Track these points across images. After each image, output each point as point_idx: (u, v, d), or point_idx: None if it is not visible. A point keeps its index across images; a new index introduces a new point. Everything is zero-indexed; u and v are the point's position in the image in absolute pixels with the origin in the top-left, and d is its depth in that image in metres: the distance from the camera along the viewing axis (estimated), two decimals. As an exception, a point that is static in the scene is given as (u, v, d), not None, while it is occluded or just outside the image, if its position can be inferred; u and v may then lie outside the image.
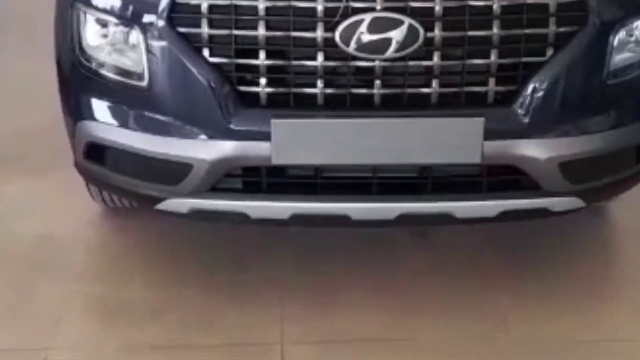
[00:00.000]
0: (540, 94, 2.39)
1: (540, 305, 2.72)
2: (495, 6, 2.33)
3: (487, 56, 2.36)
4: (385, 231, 3.05)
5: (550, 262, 2.92)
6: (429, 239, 3.03)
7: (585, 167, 2.49)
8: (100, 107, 2.54)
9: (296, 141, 2.38)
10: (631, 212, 3.17)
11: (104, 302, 2.77)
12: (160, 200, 2.55)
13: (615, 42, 2.45)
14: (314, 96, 2.38)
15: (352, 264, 2.91)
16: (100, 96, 2.53)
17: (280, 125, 2.36)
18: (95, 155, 2.60)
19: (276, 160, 2.39)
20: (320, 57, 2.34)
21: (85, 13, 2.51)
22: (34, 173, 3.41)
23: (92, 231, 3.13)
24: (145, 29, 2.39)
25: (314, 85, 2.37)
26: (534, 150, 2.41)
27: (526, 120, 2.40)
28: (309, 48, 2.35)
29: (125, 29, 2.44)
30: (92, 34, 2.51)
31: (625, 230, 3.16)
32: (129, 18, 2.43)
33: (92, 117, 2.55)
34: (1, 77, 4.24)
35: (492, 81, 2.39)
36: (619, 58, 2.48)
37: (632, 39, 2.51)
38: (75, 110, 2.61)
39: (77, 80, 2.58)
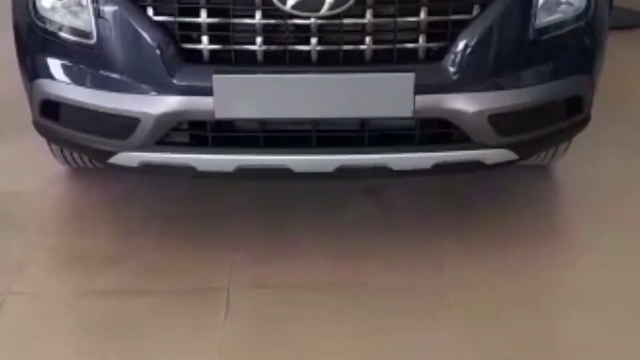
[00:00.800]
0: (468, 50, 2.51)
1: (475, 250, 2.86)
2: (423, -35, 2.46)
3: (417, 14, 2.49)
4: (339, 188, 3.20)
5: (491, 214, 3.06)
6: (380, 195, 3.17)
7: (514, 120, 2.61)
8: (53, 66, 2.66)
9: (238, 96, 2.51)
10: (575, 168, 3.31)
11: (64, 252, 2.91)
12: (111, 154, 2.67)
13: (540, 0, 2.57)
14: (254, 53, 2.51)
15: (305, 217, 3.05)
16: (53, 55, 2.65)
17: (222, 81, 2.49)
18: (51, 112, 2.72)
19: (219, 115, 2.52)
20: (258, 15, 2.47)
21: None
22: (1, 138, 3.55)
23: (57, 189, 3.27)
24: None
25: (253, 43, 2.50)
26: (463, 103, 2.54)
27: (456, 75, 2.53)
28: (248, 6, 2.47)
29: None
30: (45, -5, 2.64)
31: (568, 186, 3.30)
32: None
33: (46, 75, 2.67)
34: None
35: (422, 38, 2.51)
36: (545, 14, 2.60)
37: None
38: (31, 70, 2.73)
39: (32, 40, 2.70)
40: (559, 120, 2.73)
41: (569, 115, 2.74)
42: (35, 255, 2.89)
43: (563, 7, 2.64)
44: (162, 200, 3.17)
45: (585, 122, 2.82)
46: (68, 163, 3.24)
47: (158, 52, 2.51)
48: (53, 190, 3.27)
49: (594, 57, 2.74)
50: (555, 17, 2.63)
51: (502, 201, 3.15)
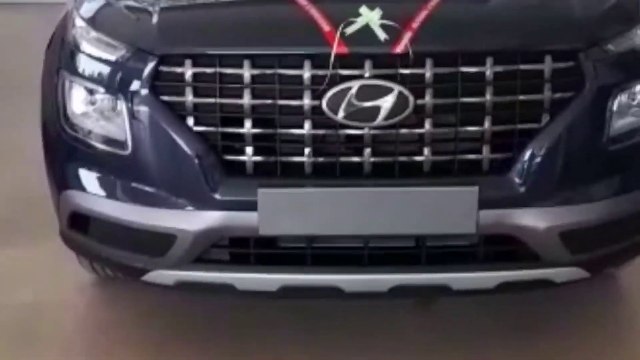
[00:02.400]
0: (537, 161, 2.30)
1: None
2: (487, 72, 2.26)
3: (481, 123, 2.29)
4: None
5: (556, 334, 2.79)
6: (430, 309, 2.91)
7: (587, 236, 2.38)
8: (84, 176, 2.48)
9: (284, 211, 2.30)
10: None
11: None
12: (145, 271, 2.47)
13: (615, 106, 2.37)
14: (301, 165, 2.31)
15: (353, 332, 2.79)
16: (84, 165, 2.47)
17: (267, 195, 2.29)
18: (80, 225, 2.53)
19: (264, 231, 2.31)
20: (307, 125, 2.28)
21: (70, 80, 2.47)
22: (25, 240, 3.35)
23: (82, 300, 3.04)
24: (128, 96, 2.34)
25: (301, 154, 2.30)
26: (532, 219, 2.32)
27: (523, 188, 2.31)
28: (296, 116, 2.28)
29: (109, 97, 2.39)
30: (76, 102, 2.47)
31: (636, 297, 3.03)
32: (113, 86, 2.38)
33: (75, 186, 2.49)
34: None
35: (486, 149, 2.31)
36: (621, 122, 2.40)
37: (635, 102, 2.43)
38: (59, 179, 2.55)
39: (61, 148, 2.52)
40: (634, 234, 2.49)
41: (644, 227, 2.51)
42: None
43: (635, 109, 2.43)
44: (195, 314, 2.92)
45: (661, 232, 2.58)
46: (96, 272, 3.03)
47: (198, 164, 2.31)
48: (78, 302, 3.04)
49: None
50: (629, 122, 2.42)
51: (567, 314, 2.88)
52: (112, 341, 2.81)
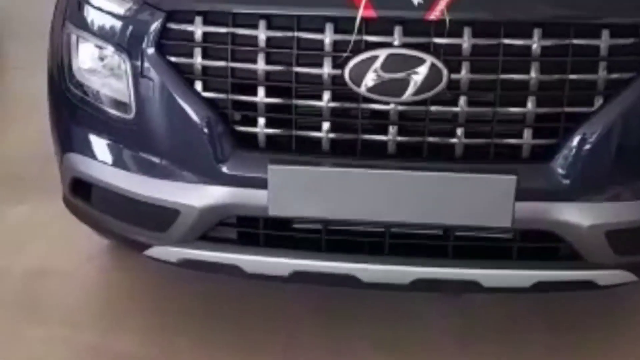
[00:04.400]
0: (585, 150, 2.02)
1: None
2: (534, 46, 1.98)
3: (523, 104, 2.01)
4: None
5: (592, 335, 2.53)
6: (461, 303, 2.67)
7: (637, 238, 2.11)
8: (86, 140, 2.28)
9: (297, 191, 2.07)
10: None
11: (90, 353, 2.50)
12: (147, 246, 2.28)
13: (681, 92, 2.07)
14: (318, 141, 2.08)
15: (365, 329, 2.56)
16: (87, 127, 2.28)
17: (278, 172, 2.06)
18: (82, 192, 2.35)
19: (273, 212, 2.09)
20: (326, 96, 2.03)
21: (75, 34, 2.27)
22: (40, 196, 3.17)
23: (92, 268, 2.87)
24: (133, 55, 2.13)
25: (319, 129, 2.07)
26: (576, 215, 2.05)
27: (567, 180, 2.04)
28: (314, 86, 2.04)
29: (114, 54, 2.18)
30: (81, 57, 2.27)
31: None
32: (118, 42, 2.16)
33: (77, 149, 2.30)
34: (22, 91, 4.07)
35: (527, 133, 2.03)
36: None
37: None
38: (62, 140, 2.37)
39: (65, 106, 2.33)
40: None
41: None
42: (58, 354, 2.48)
43: None
44: (207, 290, 2.72)
45: None
46: (108, 237, 2.86)
47: (205, 133, 2.09)
48: (86, 270, 2.86)
49: None
50: None
51: (608, 315, 2.62)
52: (120, 314, 2.65)
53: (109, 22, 2.20)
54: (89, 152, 2.28)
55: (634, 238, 2.10)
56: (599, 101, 2.03)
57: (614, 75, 2.01)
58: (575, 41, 1.99)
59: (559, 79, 2.00)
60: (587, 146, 2.03)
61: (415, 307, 2.63)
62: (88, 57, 2.25)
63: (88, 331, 2.57)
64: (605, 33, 1.99)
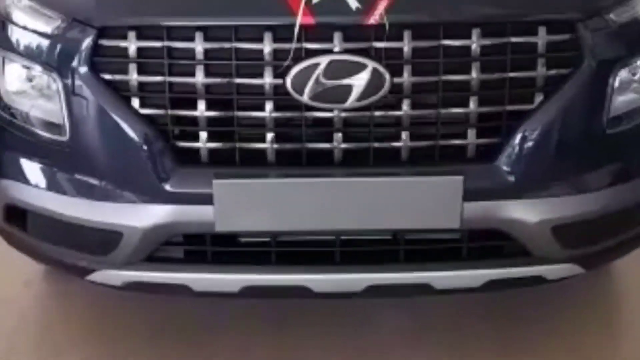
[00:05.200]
0: (528, 147, 2.04)
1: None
2: (474, 46, 1.98)
3: (466, 104, 2.01)
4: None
5: (546, 329, 2.56)
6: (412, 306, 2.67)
7: (582, 231, 2.13)
8: (18, 165, 2.19)
9: (244, 205, 2.03)
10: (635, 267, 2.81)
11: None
12: (90, 271, 2.20)
13: (616, 84, 2.10)
14: (263, 152, 2.04)
15: (318, 333, 2.54)
16: (18, 152, 2.18)
17: (224, 187, 2.01)
18: (16, 219, 2.25)
19: (220, 227, 2.04)
20: (269, 107, 2.00)
21: (2, 56, 2.17)
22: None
23: (28, 295, 2.78)
24: (65, 75, 2.05)
25: (263, 140, 2.03)
26: (523, 212, 2.07)
27: (512, 177, 2.05)
28: (256, 97, 2.00)
29: (44, 75, 2.10)
30: (8, 79, 2.17)
31: (628, 289, 2.81)
32: (48, 62, 2.08)
33: (9, 175, 2.21)
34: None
35: (471, 133, 2.04)
36: (621, 102, 2.13)
37: (636, 78, 2.17)
38: (-6, 167, 2.27)
39: None
40: (632, 227, 2.25)
41: (641, 221, 2.27)
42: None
43: (636, 86, 2.17)
44: (152, 308, 2.66)
45: (660, 226, 2.34)
46: (47, 264, 2.75)
47: (145, 151, 2.03)
48: (25, 295, 2.77)
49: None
50: (630, 100, 2.16)
51: (554, 312, 2.66)
52: (60, 340, 2.56)
53: (36, 41, 2.11)
54: (22, 177, 2.18)
55: (579, 231, 2.13)
56: (539, 98, 2.04)
57: (553, 72, 2.03)
58: (513, 39, 2.00)
59: (499, 78, 2.01)
60: (530, 143, 2.04)
61: (365, 312, 2.63)
62: (15, 79, 2.16)
63: (27, 358, 2.48)
64: (542, 30, 2.01)
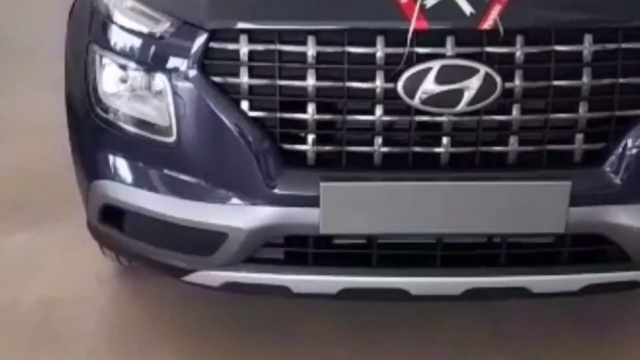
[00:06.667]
0: (635, 152, 2.04)
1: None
2: (585, 52, 1.99)
3: (575, 109, 2.02)
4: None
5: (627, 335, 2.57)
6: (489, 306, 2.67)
7: (682, 236, 2.14)
8: (119, 166, 2.19)
9: (349, 207, 2.03)
10: None
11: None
12: (188, 272, 2.20)
13: None
14: (370, 155, 2.04)
15: (395, 336, 2.55)
16: (119, 152, 2.18)
17: (330, 189, 2.02)
18: (113, 219, 2.25)
19: (325, 230, 2.05)
20: (379, 111, 2.00)
21: (102, 56, 2.17)
22: (38, 223, 3.06)
23: (106, 293, 2.78)
24: (173, 77, 2.05)
25: (370, 143, 2.03)
26: (628, 217, 2.07)
27: (618, 182, 2.06)
28: (366, 100, 2.01)
29: (150, 77, 2.10)
30: (110, 81, 2.17)
31: None
32: (155, 64, 2.08)
33: (109, 176, 2.20)
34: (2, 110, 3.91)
35: (579, 138, 2.05)
36: None
37: None
38: (90, 167, 2.26)
39: (92, 132, 2.23)
40: None
41: None
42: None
43: None
44: (228, 305, 2.66)
45: None
46: (119, 261, 2.76)
47: (253, 154, 2.03)
48: (101, 295, 2.77)
49: None
50: None
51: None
52: (143, 337, 2.56)
53: (141, 43, 2.11)
54: (123, 178, 2.18)
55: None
56: (648, 102, 2.06)
57: (661, 77, 2.04)
58: (624, 45, 2.01)
59: (609, 83, 2.01)
60: (637, 148, 2.04)
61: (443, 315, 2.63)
62: (119, 81, 2.15)
63: (116, 357, 2.49)
64: None
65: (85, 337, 2.58)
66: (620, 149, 2.05)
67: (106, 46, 2.16)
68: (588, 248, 2.14)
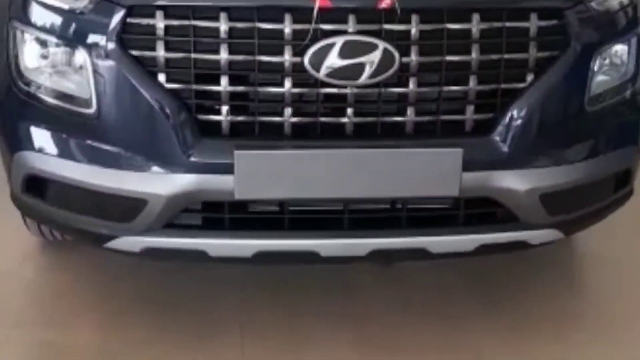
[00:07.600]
0: (520, 122, 2.25)
1: (514, 338, 2.59)
2: (474, 30, 2.19)
3: (466, 82, 2.22)
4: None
5: (522, 293, 2.80)
6: (395, 269, 2.87)
7: (566, 198, 2.36)
8: (41, 137, 2.29)
9: (262, 174, 2.19)
10: (593, 236, 3.07)
11: (47, 350, 2.50)
12: (109, 238, 2.32)
13: (596, 66, 2.34)
14: (280, 125, 2.20)
15: (318, 296, 2.72)
16: (42, 124, 2.29)
17: (244, 157, 2.17)
18: (36, 189, 2.35)
19: (240, 195, 2.20)
20: (287, 83, 2.16)
21: (23, 32, 2.27)
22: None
23: (30, 268, 2.87)
24: (92, 51, 2.17)
25: (280, 114, 2.19)
26: (514, 181, 2.28)
27: (505, 149, 2.26)
28: (275, 73, 2.16)
29: (70, 51, 2.21)
30: (31, 56, 2.27)
31: (591, 256, 3.06)
32: (75, 39, 2.20)
33: (32, 147, 2.31)
34: None
35: (470, 109, 2.24)
36: (599, 83, 2.37)
37: (611, 62, 2.41)
38: (13, 139, 2.36)
39: (15, 105, 2.33)
40: (607, 195, 2.49)
41: (616, 189, 2.51)
42: (17, 354, 2.48)
43: (612, 71, 2.41)
44: (153, 279, 2.79)
45: (629, 194, 2.58)
46: (43, 235, 2.86)
47: (170, 124, 2.17)
48: (25, 270, 2.86)
49: (640, 126, 2.53)
50: (607, 81, 2.40)
51: (525, 276, 2.89)
52: (70, 309, 2.66)
53: (61, 19, 2.22)
54: (45, 149, 2.29)
55: (563, 199, 2.35)
56: (530, 77, 2.26)
57: (542, 54, 2.24)
58: (508, 24, 2.21)
59: (495, 59, 2.21)
60: (521, 118, 2.25)
61: (357, 282, 2.82)
62: (39, 56, 2.26)
63: (42, 329, 2.57)
64: (533, 16, 2.22)
65: (10, 308, 2.66)
66: (507, 119, 2.25)
67: (27, 22, 2.26)
68: (480, 210, 2.35)
